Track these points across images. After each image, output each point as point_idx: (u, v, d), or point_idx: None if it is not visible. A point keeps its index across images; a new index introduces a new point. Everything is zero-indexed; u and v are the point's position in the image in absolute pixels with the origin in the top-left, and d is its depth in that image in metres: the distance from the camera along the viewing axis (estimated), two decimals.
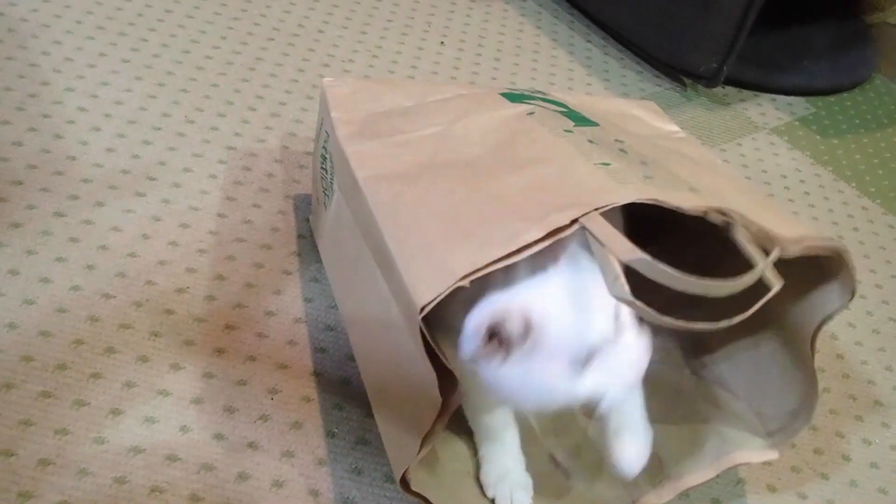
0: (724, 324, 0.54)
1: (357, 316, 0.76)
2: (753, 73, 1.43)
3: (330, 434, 0.74)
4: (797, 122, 1.39)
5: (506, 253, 0.55)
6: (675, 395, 0.79)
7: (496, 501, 0.69)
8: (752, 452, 0.73)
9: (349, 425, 0.75)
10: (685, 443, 0.76)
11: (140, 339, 0.77)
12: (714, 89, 1.39)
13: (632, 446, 0.66)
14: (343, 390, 0.78)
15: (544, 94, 0.88)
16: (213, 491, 0.68)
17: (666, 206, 0.58)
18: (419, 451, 0.59)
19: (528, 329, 0.57)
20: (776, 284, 0.55)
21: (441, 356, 0.56)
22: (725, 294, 0.53)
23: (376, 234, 0.64)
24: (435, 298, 0.55)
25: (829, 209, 1.21)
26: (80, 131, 0.98)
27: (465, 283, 0.54)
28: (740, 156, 1.27)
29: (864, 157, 1.35)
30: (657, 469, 0.75)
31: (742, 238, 0.57)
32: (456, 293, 0.55)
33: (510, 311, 0.57)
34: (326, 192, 0.82)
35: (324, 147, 0.81)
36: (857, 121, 1.45)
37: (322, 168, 0.83)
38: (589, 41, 1.46)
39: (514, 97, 0.81)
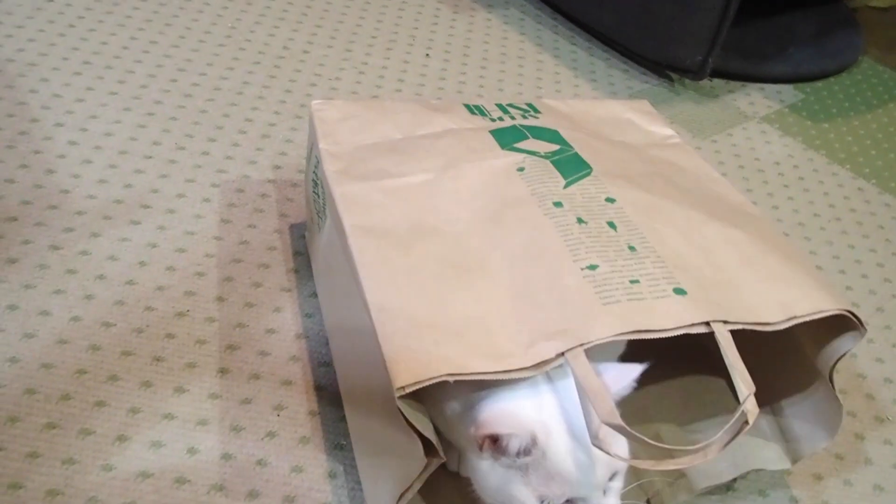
0: (705, 447, 0.56)
1: (343, 346, 0.76)
2: (740, 64, 1.44)
3: (338, 447, 0.74)
4: (787, 110, 1.39)
5: (491, 371, 0.56)
6: (692, 398, 0.78)
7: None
8: (767, 460, 0.74)
9: None
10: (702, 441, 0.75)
11: (142, 365, 0.77)
12: (702, 82, 1.40)
13: None
14: None
15: (537, 111, 0.87)
16: None
17: (648, 336, 0.59)
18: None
19: (529, 450, 0.58)
20: (752, 418, 0.57)
21: (419, 430, 0.56)
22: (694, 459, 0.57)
23: (361, 294, 0.63)
24: (414, 384, 0.55)
25: (824, 192, 1.21)
26: (71, 165, 0.98)
27: (449, 379, 0.55)
28: (732, 146, 1.27)
29: (856, 140, 1.35)
30: (672, 470, 0.74)
31: (726, 355, 0.58)
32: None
33: (521, 426, 0.58)
34: (320, 215, 0.82)
35: (314, 172, 0.81)
36: (847, 104, 1.45)
37: (314, 192, 0.82)
38: (574, 44, 1.46)
39: (504, 139, 0.79)
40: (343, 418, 0.76)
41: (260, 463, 0.71)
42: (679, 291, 0.62)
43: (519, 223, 0.68)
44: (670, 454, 0.57)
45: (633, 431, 0.54)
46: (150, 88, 1.13)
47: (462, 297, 0.62)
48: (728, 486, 0.76)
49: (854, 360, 0.93)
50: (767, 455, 0.74)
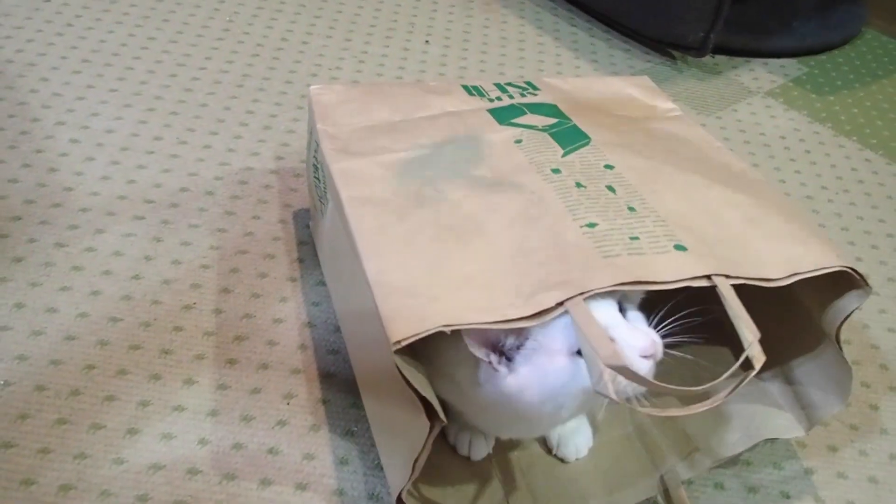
0: (711, 388, 0.55)
1: (353, 331, 0.76)
2: (742, 39, 1.42)
3: (349, 433, 0.74)
4: (791, 83, 1.38)
5: (490, 320, 0.56)
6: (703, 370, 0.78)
7: (457, 449, 0.72)
8: (780, 429, 0.73)
9: (367, 423, 0.75)
10: (713, 418, 0.75)
11: (151, 359, 0.77)
12: (704, 59, 1.38)
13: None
14: (358, 389, 0.77)
15: (536, 88, 0.87)
16: (236, 500, 0.67)
17: (649, 287, 0.58)
18: (411, 473, 0.59)
19: (522, 335, 0.58)
20: (758, 364, 0.56)
21: (415, 386, 0.56)
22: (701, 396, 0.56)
23: (358, 259, 0.63)
24: (409, 338, 0.55)
25: (831, 165, 1.19)
26: (74, 162, 0.98)
27: (446, 330, 0.55)
28: (737, 121, 1.26)
29: (862, 111, 1.34)
30: (684, 443, 0.74)
31: (729, 307, 0.58)
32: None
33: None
34: (322, 200, 0.81)
35: (315, 157, 0.81)
36: (852, 76, 1.43)
37: (315, 177, 0.82)
38: (574, 25, 1.45)
39: (502, 116, 0.79)
40: (353, 404, 0.76)
41: (271, 451, 0.71)
42: (680, 247, 0.61)
43: (517, 189, 0.67)
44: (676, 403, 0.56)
45: (637, 373, 0.54)
46: (150, 84, 1.13)
47: (460, 257, 0.61)
48: (743, 460, 0.76)
49: (867, 330, 0.92)
50: (780, 423, 0.73)
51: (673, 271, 0.58)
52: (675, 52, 1.40)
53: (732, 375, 0.55)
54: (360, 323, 0.71)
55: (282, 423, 0.74)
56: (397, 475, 0.63)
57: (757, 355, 0.56)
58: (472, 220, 0.65)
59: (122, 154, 1.00)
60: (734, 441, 0.73)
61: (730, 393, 0.56)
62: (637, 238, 0.62)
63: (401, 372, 0.55)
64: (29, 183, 0.94)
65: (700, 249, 0.61)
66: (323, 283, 0.87)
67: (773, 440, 0.75)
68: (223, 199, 0.96)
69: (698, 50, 1.33)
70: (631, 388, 0.56)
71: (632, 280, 0.57)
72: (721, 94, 1.32)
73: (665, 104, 0.89)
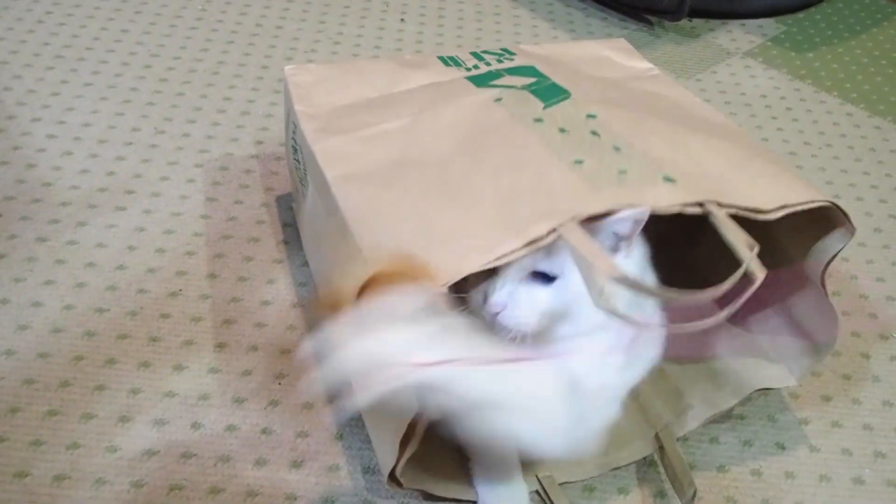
0: (713, 292, 0.54)
1: None
2: (718, 2, 1.42)
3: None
4: (770, 43, 1.38)
5: (485, 262, 0.55)
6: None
7: None
8: (772, 379, 0.73)
9: None
10: (703, 373, 0.75)
11: (139, 347, 0.77)
12: (681, 23, 1.38)
13: None
14: None
15: (512, 54, 0.86)
16: (232, 481, 0.67)
17: (639, 216, 0.57)
18: (399, 456, 0.59)
19: (636, 224, 0.57)
20: (759, 276, 0.55)
21: None
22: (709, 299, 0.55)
23: (349, 238, 0.63)
24: None
25: (813, 121, 1.19)
26: (52, 158, 0.97)
27: (443, 289, 0.54)
28: (717, 83, 1.25)
29: (841, 66, 1.33)
30: (677, 400, 0.74)
31: (723, 228, 0.57)
32: None
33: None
34: (302, 182, 0.81)
35: (293, 139, 0.81)
36: (830, 32, 1.43)
37: (295, 159, 0.82)
38: None
39: (480, 80, 0.79)
40: None
41: (265, 431, 0.71)
42: (668, 179, 0.61)
43: (500, 140, 0.67)
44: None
45: (637, 281, 0.53)
46: (125, 76, 1.12)
47: (448, 212, 0.61)
48: (737, 414, 0.76)
49: (855, 281, 0.92)
50: (771, 374, 0.73)
51: (664, 200, 0.58)
52: (651, 18, 1.39)
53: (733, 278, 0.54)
54: None
55: (274, 402, 0.74)
56: (386, 454, 0.63)
57: (756, 268, 0.55)
58: (458, 177, 0.65)
59: (101, 147, 1.00)
60: (726, 394, 0.73)
61: (735, 307, 0.55)
62: (625, 171, 0.61)
63: None
64: (7, 180, 0.93)
65: (688, 181, 0.61)
66: (309, 264, 0.87)
67: (765, 392, 0.75)
68: (205, 185, 0.96)
69: (674, 14, 1.33)
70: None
71: (624, 203, 0.57)
72: (700, 56, 1.32)
73: (643, 64, 0.89)
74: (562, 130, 0.67)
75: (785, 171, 0.68)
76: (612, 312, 0.53)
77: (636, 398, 0.73)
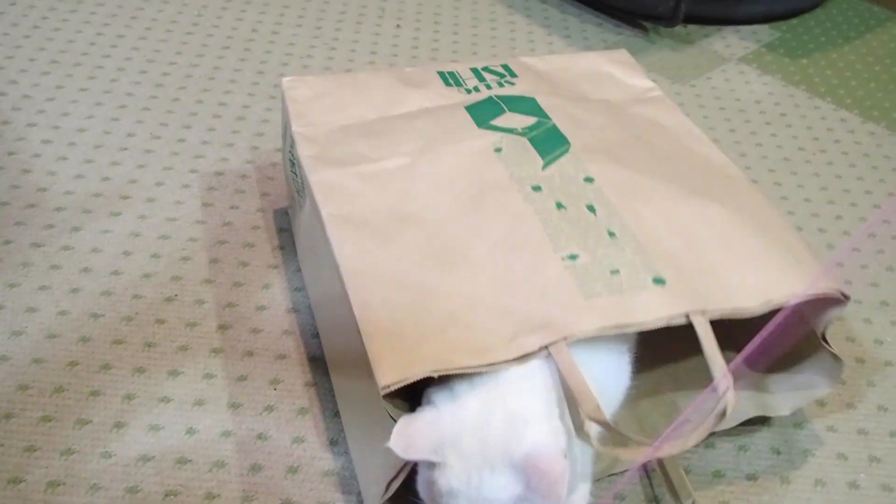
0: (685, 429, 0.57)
1: (331, 324, 0.75)
2: (713, 8, 1.42)
3: (337, 414, 0.74)
4: (764, 49, 1.38)
5: (474, 365, 0.56)
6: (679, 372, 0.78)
7: None
8: (769, 408, 0.74)
9: None
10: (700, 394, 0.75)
11: (134, 352, 0.77)
12: (676, 29, 1.38)
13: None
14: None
15: (513, 74, 0.86)
16: (227, 486, 0.67)
17: (629, 330, 0.60)
18: (384, 492, 0.59)
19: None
20: (728, 411, 0.57)
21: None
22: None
23: (342, 290, 0.63)
24: (397, 383, 0.55)
25: (807, 126, 1.20)
26: (47, 163, 0.97)
27: (434, 374, 0.55)
28: (712, 89, 1.26)
29: (835, 73, 1.34)
30: (674, 413, 0.74)
31: (703, 340, 0.59)
32: None
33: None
34: (300, 193, 0.81)
35: (291, 152, 0.80)
36: (824, 39, 1.44)
37: (292, 171, 0.81)
38: (544, 2, 1.45)
39: (479, 116, 0.78)
40: None
41: (260, 437, 0.71)
42: (658, 281, 0.62)
43: (499, 209, 0.68)
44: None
45: (617, 428, 0.55)
46: (121, 82, 1.12)
47: (444, 290, 0.62)
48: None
49: (848, 286, 0.92)
50: (769, 403, 0.74)
51: (652, 311, 0.60)
52: (646, 24, 1.40)
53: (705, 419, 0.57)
54: (336, 314, 0.70)
55: (270, 408, 0.73)
56: (370, 487, 0.63)
57: (729, 399, 0.57)
58: (456, 246, 0.65)
59: (96, 152, 1.00)
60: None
61: (704, 434, 0.58)
62: (618, 272, 0.62)
63: (390, 415, 0.56)
64: (2, 185, 0.93)
65: (678, 284, 0.62)
66: None
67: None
68: (200, 191, 0.96)
69: (669, 20, 1.33)
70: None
71: (612, 325, 0.59)
72: (695, 62, 1.32)
73: (643, 83, 0.89)
74: (559, 206, 0.68)
75: (776, 247, 0.68)
76: (592, 446, 0.56)
77: (632, 411, 0.73)
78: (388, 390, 0.55)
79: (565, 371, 0.56)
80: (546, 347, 0.57)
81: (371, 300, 0.61)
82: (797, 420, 0.77)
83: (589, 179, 0.71)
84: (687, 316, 0.60)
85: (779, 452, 0.75)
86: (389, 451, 0.54)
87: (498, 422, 0.55)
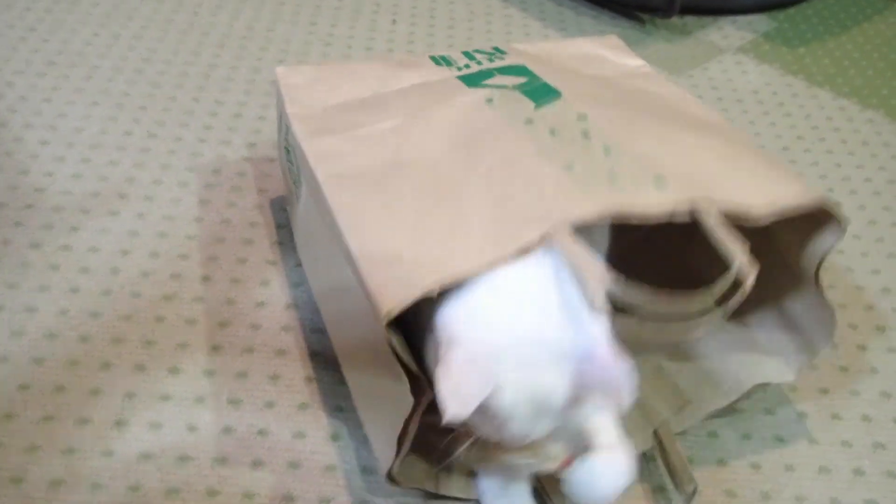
0: (704, 299, 0.55)
1: (334, 310, 0.75)
2: None
3: (338, 409, 0.73)
4: (761, 39, 1.38)
5: (475, 266, 0.55)
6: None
7: None
8: (769, 374, 0.73)
9: None
10: (701, 371, 0.75)
11: (134, 350, 0.77)
12: (672, 20, 1.38)
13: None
14: None
15: (503, 52, 0.86)
16: (229, 482, 0.67)
17: (632, 219, 0.58)
18: (397, 451, 0.59)
19: None
20: (751, 276, 0.55)
21: (408, 362, 0.55)
22: (700, 307, 0.56)
23: (339, 238, 0.63)
24: (397, 307, 0.54)
25: (805, 115, 1.19)
26: (44, 163, 0.97)
27: (432, 292, 0.54)
28: (709, 79, 1.25)
29: (833, 61, 1.34)
30: (675, 396, 0.74)
31: (714, 230, 0.57)
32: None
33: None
34: (296, 184, 0.81)
35: (286, 139, 0.80)
36: (822, 27, 1.43)
37: (288, 161, 0.81)
38: None
39: (471, 80, 0.78)
40: (341, 381, 0.76)
41: (261, 433, 0.71)
42: (660, 178, 0.61)
43: (492, 143, 0.67)
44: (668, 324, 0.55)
45: (629, 289, 0.53)
46: (117, 81, 1.12)
47: (441, 217, 0.61)
48: (734, 408, 0.76)
49: (850, 273, 0.92)
50: (769, 369, 0.73)
51: (656, 204, 0.58)
52: (643, 15, 1.39)
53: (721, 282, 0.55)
54: (341, 301, 0.70)
55: (270, 404, 0.73)
56: (384, 452, 0.63)
57: (747, 267, 0.55)
58: (451, 180, 0.64)
59: (93, 151, 0.99)
60: (725, 390, 0.73)
61: (724, 309, 0.56)
62: (616, 173, 0.61)
63: (391, 346, 0.55)
64: (0, 186, 0.93)
65: (680, 180, 0.61)
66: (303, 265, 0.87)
67: (764, 386, 0.75)
68: (197, 188, 0.96)
69: (665, 11, 1.33)
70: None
71: (614, 212, 0.57)
72: (692, 53, 1.32)
73: (635, 61, 0.89)
74: (552, 132, 0.67)
75: (777, 168, 0.67)
76: (605, 314, 0.53)
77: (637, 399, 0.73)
78: (389, 316, 0.54)
79: (569, 252, 0.54)
80: (547, 236, 0.55)
81: (369, 244, 0.60)
82: (801, 409, 0.77)
83: (582, 116, 0.70)
84: (692, 207, 0.58)
85: (782, 440, 0.74)
86: (395, 410, 0.53)
87: (534, 324, 0.53)
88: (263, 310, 0.82)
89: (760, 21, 1.43)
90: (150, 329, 0.79)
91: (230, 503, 0.65)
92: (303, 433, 0.71)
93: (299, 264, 0.87)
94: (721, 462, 0.72)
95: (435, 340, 0.55)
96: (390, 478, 0.62)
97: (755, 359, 0.74)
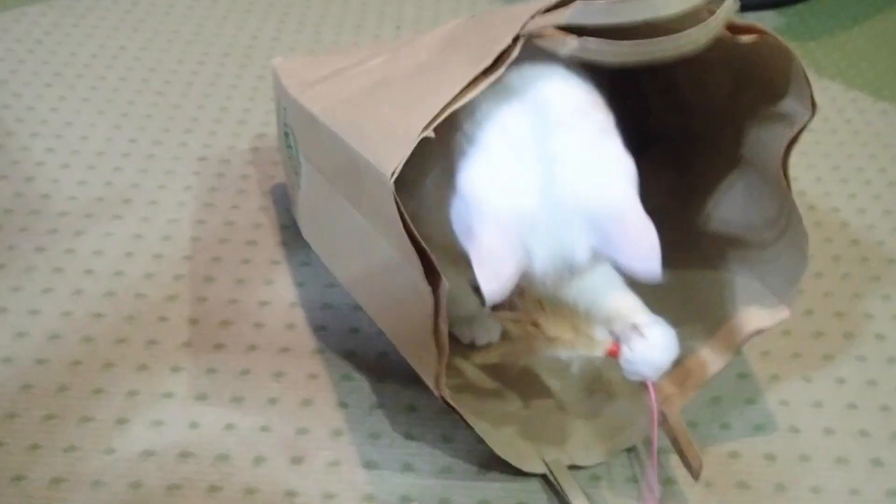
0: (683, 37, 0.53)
1: (352, 269, 0.75)
2: None
3: (342, 405, 0.72)
4: None
5: (457, 93, 0.54)
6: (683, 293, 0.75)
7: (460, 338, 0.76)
8: (763, 318, 0.69)
9: (360, 393, 0.73)
10: (698, 334, 0.72)
11: (137, 350, 0.76)
12: None
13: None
14: (350, 362, 0.76)
15: None
16: (230, 479, 0.66)
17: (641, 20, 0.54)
18: (438, 356, 0.58)
19: None
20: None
21: (415, 234, 0.54)
22: (672, 53, 0.53)
23: (340, 146, 0.63)
24: (399, 162, 0.53)
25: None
26: (50, 171, 0.97)
27: (429, 133, 0.53)
28: None
29: (844, 55, 1.32)
30: (674, 366, 0.71)
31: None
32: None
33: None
34: (297, 171, 0.81)
35: (285, 123, 0.81)
36: (831, 22, 1.42)
37: (287, 146, 0.82)
38: None
39: None
40: (345, 377, 0.75)
41: (263, 429, 0.70)
42: None
43: (476, 26, 0.66)
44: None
45: (601, 45, 0.52)
46: (123, 91, 1.13)
47: (426, 87, 0.60)
48: (748, 398, 0.74)
49: (866, 263, 0.90)
50: (761, 312, 0.70)
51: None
52: None
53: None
54: (357, 253, 0.70)
55: (272, 400, 0.72)
56: (430, 375, 0.62)
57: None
58: (433, 58, 0.65)
59: (98, 158, 1.00)
60: (723, 348, 0.70)
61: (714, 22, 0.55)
62: None
63: (400, 213, 0.54)
64: (6, 193, 0.93)
65: None
66: (307, 264, 0.86)
67: (760, 332, 0.71)
68: (202, 192, 0.95)
69: None
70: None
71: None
72: None
73: None
74: None
75: None
76: (580, 49, 0.53)
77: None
78: (396, 175, 0.53)
79: (537, 30, 0.53)
80: (519, 38, 0.54)
81: (366, 137, 0.60)
82: (815, 399, 0.75)
83: None
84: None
85: (797, 431, 0.73)
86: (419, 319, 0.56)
87: (560, 183, 0.54)
88: (267, 308, 0.81)
89: (770, 17, 1.42)
90: (154, 329, 0.78)
91: (232, 500, 0.65)
92: (306, 429, 0.70)
93: (304, 263, 0.86)
94: (734, 454, 0.70)
95: (462, 207, 0.55)
96: (442, 398, 0.61)
97: (745, 310, 0.71)
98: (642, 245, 0.53)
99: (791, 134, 0.64)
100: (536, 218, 0.54)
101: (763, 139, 0.69)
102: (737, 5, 0.57)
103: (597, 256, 0.55)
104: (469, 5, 1.41)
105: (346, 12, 1.36)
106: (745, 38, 0.60)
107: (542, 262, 0.54)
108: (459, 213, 0.55)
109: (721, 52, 0.59)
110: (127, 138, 1.03)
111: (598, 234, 0.54)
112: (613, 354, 0.60)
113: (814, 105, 0.63)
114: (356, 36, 1.29)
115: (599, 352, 0.61)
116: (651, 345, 0.58)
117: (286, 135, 0.81)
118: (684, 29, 0.54)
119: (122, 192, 0.95)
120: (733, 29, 0.60)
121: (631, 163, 0.56)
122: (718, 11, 0.56)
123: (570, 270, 0.55)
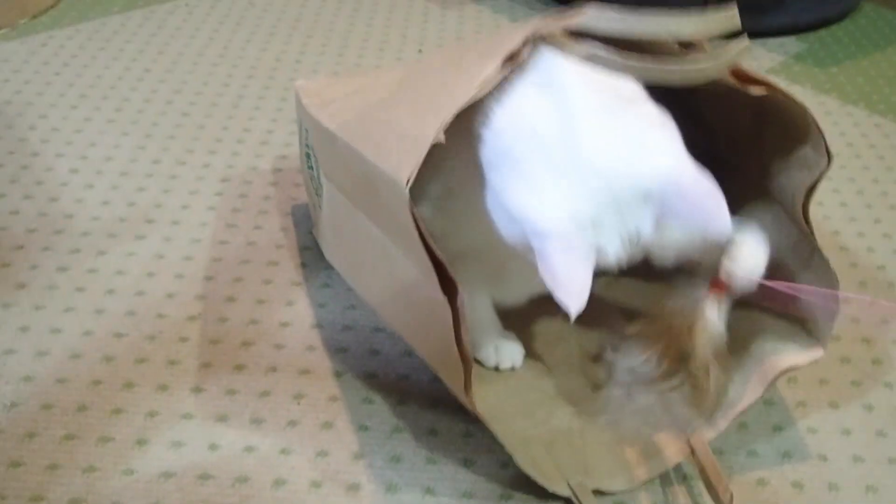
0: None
1: (374, 287, 0.75)
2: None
3: (363, 428, 0.72)
4: (792, 60, 1.36)
5: (467, 98, 0.54)
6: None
7: (483, 362, 0.75)
8: (797, 356, 0.69)
9: (381, 416, 0.73)
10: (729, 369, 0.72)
11: (157, 370, 0.76)
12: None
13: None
14: (370, 384, 0.76)
15: None
16: (249, 501, 0.65)
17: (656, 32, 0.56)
18: (464, 368, 0.58)
19: None
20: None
21: (430, 242, 0.54)
22: (677, 78, 0.55)
23: (356, 158, 0.63)
24: (413, 169, 0.54)
25: (840, 133, 1.17)
26: (74, 191, 0.98)
27: (441, 139, 0.53)
28: None
29: (867, 80, 1.31)
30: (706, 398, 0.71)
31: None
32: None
33: None
34: (318, 192, 0.81)
35: (306, 145, 0.81)
36: (853, 47, 1.41)
37: (309, 167, 0.82)
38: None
39: None
40: (366, 400, 0.74)
41: (283, 452, 0.69)
42: None
43: (488, 36, 0.68)
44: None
45: (608, 55, 0.53)
46: (147, 112, 1.14)
47: (438, 90, 0.60)
48: (775, 425, 0.73)
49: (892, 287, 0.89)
50: (793, 350, 0.69)
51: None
52: None
53: None
54: (380, 270, 0.70)
55: (293, 423, 0.72)
56: (458, 386, 0.62)
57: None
58: (446, 66, 0.66)
59: (122, 179, 1.00)
60: (754, 384, 0.69)
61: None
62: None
63: (415, 218, 0.54)
64: (30, 213, 0.94)
65: None
66: (328, 286, 0.86)
67: (793, 373, 0.71)
68: (224, 212, 0.96)
69: None
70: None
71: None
72: None
73: None
74: None
75: None
76: (596, 56, 0.55)
77: (664, 405, 0.70)
78: (411, 182, 0.53)
79: (551, 36, 0.54)
80: (532, 37, 0.54)
81: (380, 145, 0.60)
82: (844, 427, 0.74)
83: None
84: None
85: (825, 459, 0.71)
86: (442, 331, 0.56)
87: (610, 169, 0.53)
88: (287, 330, 0.81)
89: (790, 43, 1.41)
90: (174, 349, 0.78)
91: None
92: (326, 452, 0.69)
93: (325, 285, 0.86)
94: (761, 482, 0.69)
95: (512, 224, 0.55)
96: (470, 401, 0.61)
97: (777, 347, 0.70)
98: (706, 207, 0.53)
99: (810, 180, 0.63)
100: (595, 216, 0.53)
101: (782, 181, 0.68)
102: (747, 44, 0.57)
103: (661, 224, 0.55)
104: (492, 26, 1.41)
105: (368, 34, 1.37)
106: (755, 91, 0.60)
107: (614, 252, 0.54)
108: (507, 226, 0.56)
109: (737, 92, 0.59)
110: (151, 159, 1.04)
111: (659, 207, 0.53)
112: (718, 286, 0.61)
113: (829, 154, 0.62)
114: (379, 58, 1.30)
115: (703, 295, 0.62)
116: (751, 254, 0.60)
117: (308, 156, 0.81)
118: (690, 55, 0.54)
119: (146, 213, 0.95)
120: (743, 78, 0.59)
121: (668, 120, 0.55)
122: (729, 46, 0.55)
123: (641, 246, 0.55)
